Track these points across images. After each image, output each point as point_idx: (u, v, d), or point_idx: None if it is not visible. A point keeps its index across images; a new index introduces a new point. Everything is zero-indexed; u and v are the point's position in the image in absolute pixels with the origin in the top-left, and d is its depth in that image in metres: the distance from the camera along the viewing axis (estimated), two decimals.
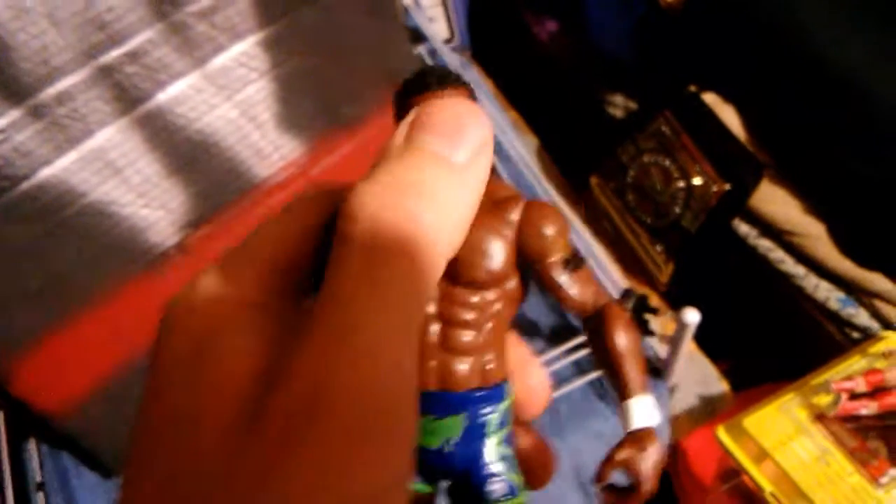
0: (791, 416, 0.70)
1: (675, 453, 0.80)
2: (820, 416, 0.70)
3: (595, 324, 0.22)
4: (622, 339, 0.21)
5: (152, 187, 0.60)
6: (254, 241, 0.19)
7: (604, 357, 0.22)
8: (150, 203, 0.61)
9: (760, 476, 0.68)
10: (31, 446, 0.70)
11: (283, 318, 0.17)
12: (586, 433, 0.74)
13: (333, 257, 0.16)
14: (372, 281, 0.15)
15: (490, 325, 0.20)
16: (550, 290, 0.22)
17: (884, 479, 0.66)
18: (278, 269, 0.18)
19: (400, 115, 0.20)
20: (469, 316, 0.20)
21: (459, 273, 0.20)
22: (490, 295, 0.20)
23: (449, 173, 0.16)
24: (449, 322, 0.20)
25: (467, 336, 0.20)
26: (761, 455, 0.69)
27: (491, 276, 0.20)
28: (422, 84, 0.19)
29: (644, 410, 0.21)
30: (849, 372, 0.72)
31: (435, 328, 0.20)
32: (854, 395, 0.70)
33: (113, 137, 0.58)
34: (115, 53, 0.55)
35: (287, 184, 0.68)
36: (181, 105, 0.60)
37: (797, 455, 0.68)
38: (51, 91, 0.54)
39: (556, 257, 0.21)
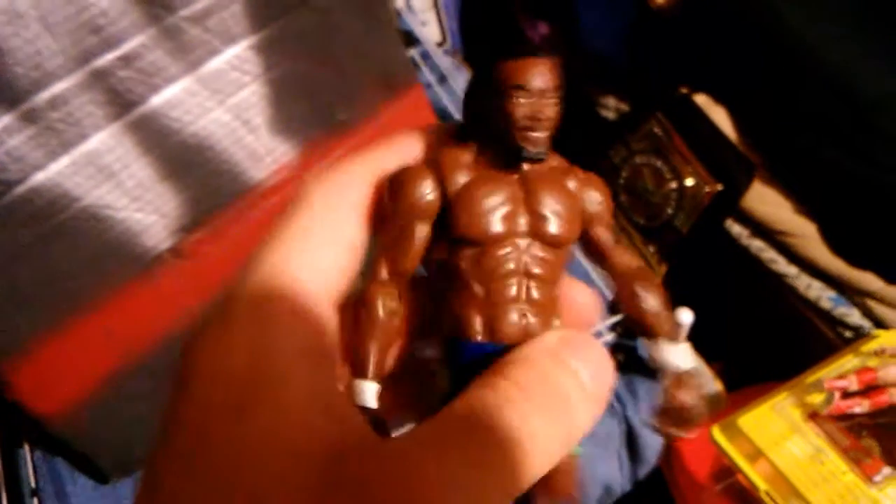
0: (785, 415, 0.71)
1: (669, 453, 0.80)
2: (813, 415, 0.70)
3: (635, 284, 0.22)
4: (663, 295, 0.23)
5: (146, 191, 0.60)
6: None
7: (642, 312, 0.22)
8: (144, 207, 0.61)
9: (755, 475, 0.68)
10: (26, 451, 0.70)
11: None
12: (590, 436, 0.74)
13: (487, 395, 0.17)
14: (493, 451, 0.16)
15: (556, 283, 0.21)
16: (600, 255, 0.23)
17: (877, 478, 0.67)
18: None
19: (481, 71, 0.21)
20: (545, 272, 0.21)
21: (545, 231, 0.21)
22: (562, 255, 0.21)
23: (584, 401, 0.18)
24: (529, 276, 0.20)
25: (541, 292, 0.21)
26: (756, 454, 0.69)
27: (570, 236, 0.21)
28: (522, 49, 0.20)
29: (687, 355, 0.22)
30: (841, 371, 0.73)
31: (515, 281, 0.20)
32: (847, 394, 0.70)
33: (107, 141, 0.58)
34: (108, 57, 0.55)
35: (281, 187, 0.68)
36: (175, 109, 0.60)
37: (791, 454, 0.68)
38: (44, 95, 0.54)
39: (606, 224, 0.22)
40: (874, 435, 0.70)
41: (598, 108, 1.01)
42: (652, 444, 0.77)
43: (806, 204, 0.82)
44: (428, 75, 0.91)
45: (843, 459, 0.68)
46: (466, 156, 0.21)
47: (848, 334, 0.82)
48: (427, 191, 0.20)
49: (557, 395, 0.18)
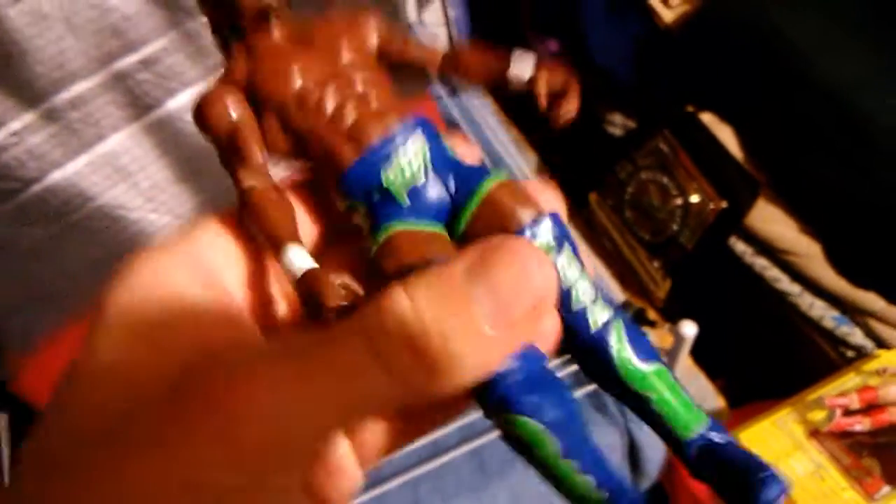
0: (787, 431, 0.71)
1: (670, 468, 0.80)
2: (815, 432, 0.71)
3: (464, 51, 0.22)
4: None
5: (161, 192, 0.61)
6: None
7: (481, 58, 0.22)
8: (158, 208, 0.62)
9: None
10: None
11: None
12: None
13: (356, 318, 0.16)
14: (355, 369, 0.15)
15: (388, 88, 0.21)
16: (423, 60, 0.22)
17: (878, 496, 0.67)
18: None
19: None
20: (371, 85, 0.20)
21: (348, 63, 0.20)
22: (380, 72, 0.21)
23: (478, 341, 0.15)
24: (358, 95, 0.20)
25: (378, 100, 0.20)
26: None
27: (369, 57, 0.21)
28: None
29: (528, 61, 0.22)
30: (843, 389, 0.73)
31: (348, 103, 0.20)
32: (848, 412, 0.71)
33: (124, 143, 0.59)
34: (128, 60, 0.56)
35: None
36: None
37: (793, 470, 0.69)
38: (65, 95, 0.55)
39: (397, 38, 0.22)
40: (875, 454, 0.70)
41: (604, 124, 1.02)
42: (653, 457, 0.77)
43: (810, 223, 0.82)
44: (438, 88, 0.93)
45: (844, 477, 0.68)
46: (241, 59, 0.21)
47: (850, 354, 0.82)
48: (230, 106, 0.20)
49: (434, 332, 0.15)
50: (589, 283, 0.19)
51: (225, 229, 0.19)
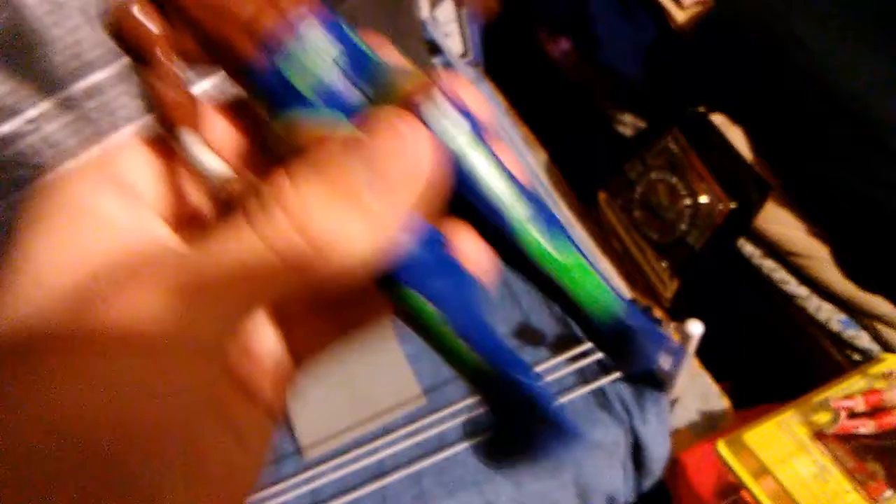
0: (791, 432, 0.71)
1: (674, 467, 0.80)
2: (819, 434, 0.71)
3: None
4: None
5: None
6: None
7: None
8: None
9: (760, 492, 0.69)
10: None
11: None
12: (587, 443, 0.75)
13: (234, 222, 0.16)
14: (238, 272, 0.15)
15: None
16: None
17: (881, 499, 0.67)
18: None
19: None
20: None
21: None
22: None
23: (362, 214, 0.16)
24: None
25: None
26: (761, 470, 0.70)
27: None
28: None
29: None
30: (849, 391, 0.73)
31: None
32: (853, 414, 0.71)
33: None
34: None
35: None
36: None
37: (797, 472, 0.69)
38: (81, 85, 0.56)
39: None
40: (878, 458, 0.70)
41: (614, 123, 1.02)
42: (658, 456, 0.77)
43: (819, 226, 0.83)
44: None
45: (848, 479, 0.68)
46: None
47: (856, 357, 0.82)
48: (139, 16, 0.18)
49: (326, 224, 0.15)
50: (502, 173, 0.18)
51: (144, 148, 0.19)
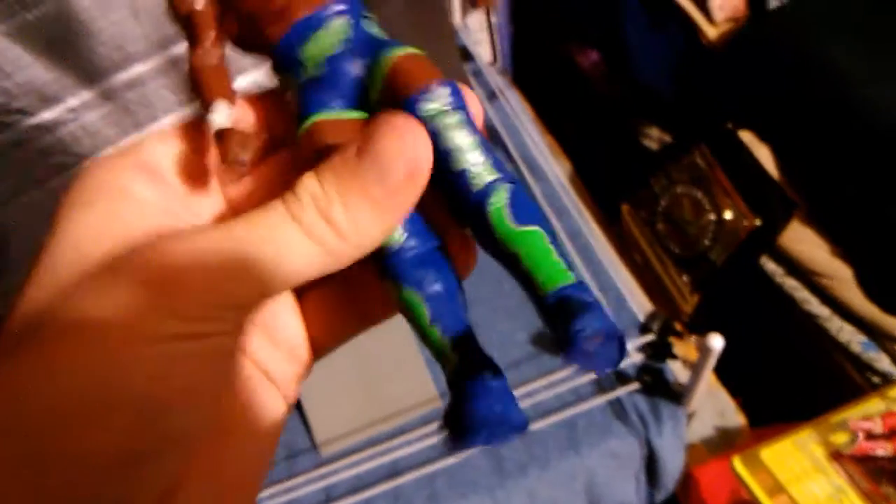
0: (807, 451, 0.71)
1: (687, 482, 0.80)
2: (836, 455, 0.71)
3: None
4: None
5: None
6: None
7: None
8: None
9: None
10: None
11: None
12: (601, 452, 0.75)
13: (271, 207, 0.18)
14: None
15: None
16: None
17: None
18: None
19: None
20: None
21: None
22: None
23: (372, 206, 0.19)
24: None
25: None
26: (776, 489, 0.69)
27: None
28: None
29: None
30: (867, 413, 0.73)
31: None
32: (871, 436, 0.71)
33: None
34: (185, 46, 0.58)
35: None
36: None
37: (812, 491, 0.68)
38: (123, 76, 0.57)
39: None
40: (893, 481, 0.70)
41: (640, 137, 1.03)
42: (672, 470, 0.77)
43: (843, 247, 0.82)
44: (478, 91, 0.94)
45: (863, 501, 0.68)
46: None
47: (875, 380, 0.82)
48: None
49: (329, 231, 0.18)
50: (480, 150, 0.20)
51: (173, 134, 0.21)
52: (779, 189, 0.82)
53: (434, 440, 0.76)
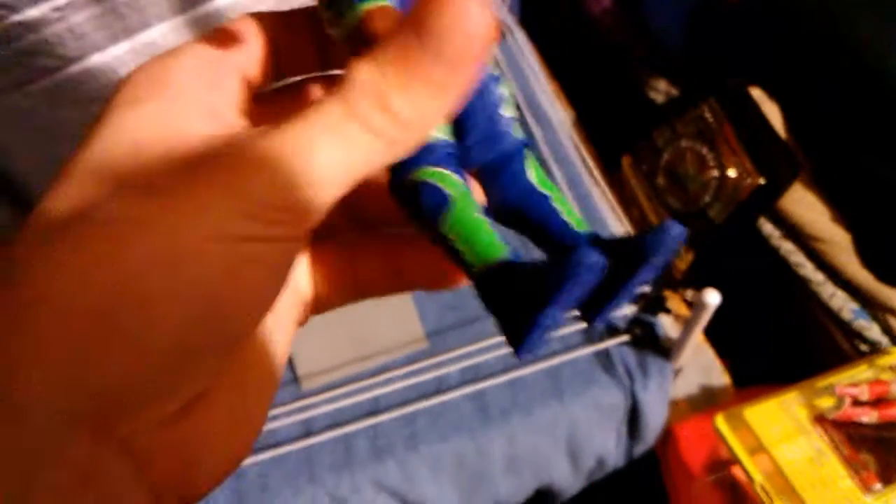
0: (791, 413, 0.71)
1: (666, 437, 0.80)
2: (819, 418, 0.71)
3: None
4: None
5: None
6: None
7: None
8: None
9: (753, 467, 0.68)
10: None
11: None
12: (585, 402, 0.74)
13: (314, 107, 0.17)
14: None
15: None
16: None
17: (874, 489, 0.67)
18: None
19: None
20: None
21: None
22: None
23: (432, 86, 0.17)
24: None
25: None
26: (757, 448, 0.69)
27: None
28: None
29: None
30: (855, 380, 0.73)
31: None
32: (856, 402, 0.70)
33: (167, 34, 0.57)
34: None
35: None
36: (237, 13, 0.60)
37: (793, 453, 0.68)
38: None
39: None
40: (872, 450, 0.70)
41: (647, 89, 1.00)
42: (654, 424, 0.77)
43: (843, 212, 0.81)
44: None
45: (843, 465, 0.68)
46: None
47: (864, 348, 0.81)
48: None
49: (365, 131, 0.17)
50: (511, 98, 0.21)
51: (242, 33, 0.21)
52: (786, 148, 0.80)
53: (417, 380, 0.75)
